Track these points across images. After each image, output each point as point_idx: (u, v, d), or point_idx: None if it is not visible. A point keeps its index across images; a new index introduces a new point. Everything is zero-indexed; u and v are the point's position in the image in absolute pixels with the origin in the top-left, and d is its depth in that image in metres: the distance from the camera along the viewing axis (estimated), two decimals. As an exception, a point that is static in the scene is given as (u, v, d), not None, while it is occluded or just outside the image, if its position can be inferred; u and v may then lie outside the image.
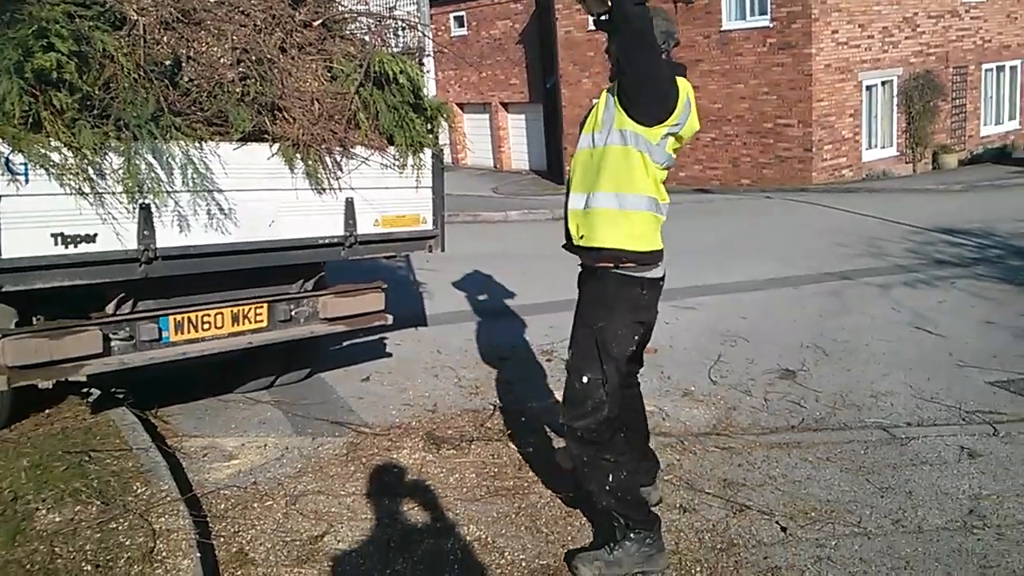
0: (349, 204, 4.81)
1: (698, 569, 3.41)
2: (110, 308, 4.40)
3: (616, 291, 3.33)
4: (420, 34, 5.64)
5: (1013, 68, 21.40)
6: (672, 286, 3.48)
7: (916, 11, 18.68)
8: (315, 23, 4.83)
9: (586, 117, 3.50)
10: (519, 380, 5.88)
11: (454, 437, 4.78)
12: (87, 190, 3.88)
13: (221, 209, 4.35)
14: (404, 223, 5.12)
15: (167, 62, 4.17)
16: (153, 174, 4.04)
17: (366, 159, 4.83)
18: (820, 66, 17.08)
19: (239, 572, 3.43)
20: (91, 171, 3.86)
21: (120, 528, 3.54)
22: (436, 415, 5.22)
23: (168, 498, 3.79)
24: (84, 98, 3.79)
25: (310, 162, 4.59)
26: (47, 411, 4.87)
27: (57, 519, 3.60)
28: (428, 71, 5.40)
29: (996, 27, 20.66)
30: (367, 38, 5.06)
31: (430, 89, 5.50)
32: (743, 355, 6.35)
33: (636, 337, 3.41)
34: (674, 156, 3.38)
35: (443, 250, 5.37)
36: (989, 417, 4.94)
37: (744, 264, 9.74)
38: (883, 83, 18.54)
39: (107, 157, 3.90)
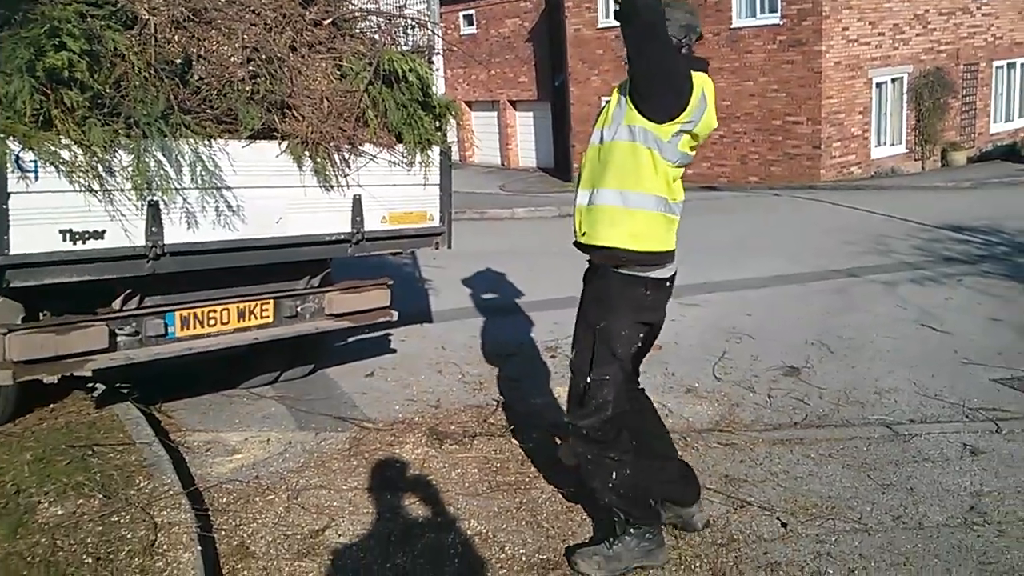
0: (357, 201, 4.84)
1: (698, 564, 3.43)
2: (116, 304, 4.43)
3: (619, 291, 3.27)
4: (429, 32, 5.68)
5: (1024, 65, 21.32)
6: (678, 283, 3.46)
7: (927, 8, 18.62)
8: (325, 22, 4.86)
9: (600, 113, 3.41)
10: (523, 377, 5.91)
11: (457, 433, 4.81)
12: (96, 187, 3.91)
13: (229, 206, 4.38)
14: (411, 220, 5.14)
15: (178, 61, 4.21)
16: (162, 171, 4.08)
17: (374, 156, 4.85)
18: (830, 63, 17.05)
19: (240, 565, 3.47)
20: (100, 168, 3.90)
21: (122, 521, 3.57)
22: (439, 411, 5.26)
23: (170, 492, 3.83)
24: (95, 96, 3.83)
25: (318, 159, 4.62)
26: (51, 405, 4.90)
27: (59, 512, 3.63)
28: (437, 69, 5.43)
29: (1008, 24, 20.56)
30: (377, 36, 5.09)
31: (439, 87, 5.52)
32: (748, 352, 6.36)
33: (641, 336, 3.34)
34: (691, 154, 3.25)
35: (450, 247, 5.39)
36: (992, 414, 4.94)
37: (751, 261, 9.75)
38: (893, 80, 18.48)
39: (117, 155, 3.94)
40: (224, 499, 4.06)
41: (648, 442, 3.56)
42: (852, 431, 4.78)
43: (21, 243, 3.80)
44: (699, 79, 3.17)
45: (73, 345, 4.17)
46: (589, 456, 3.35)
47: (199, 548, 3.36)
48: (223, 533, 3.72)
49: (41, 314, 4.38)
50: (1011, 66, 20.99)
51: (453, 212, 5.38)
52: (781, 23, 17.32)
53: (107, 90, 3.87)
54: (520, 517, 3.86)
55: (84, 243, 3.97)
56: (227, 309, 4.74)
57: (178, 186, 4.16)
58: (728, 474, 4.22)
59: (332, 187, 4.73)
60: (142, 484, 3.93)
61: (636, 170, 3.15)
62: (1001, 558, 3.40)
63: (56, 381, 4.20)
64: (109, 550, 3.35)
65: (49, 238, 3.87)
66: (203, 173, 4.21)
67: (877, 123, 18.41)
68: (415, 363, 6.27)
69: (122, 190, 4.00)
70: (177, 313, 4.57)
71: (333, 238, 4.84)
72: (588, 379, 3.29)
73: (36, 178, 3.78)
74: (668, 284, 3.36)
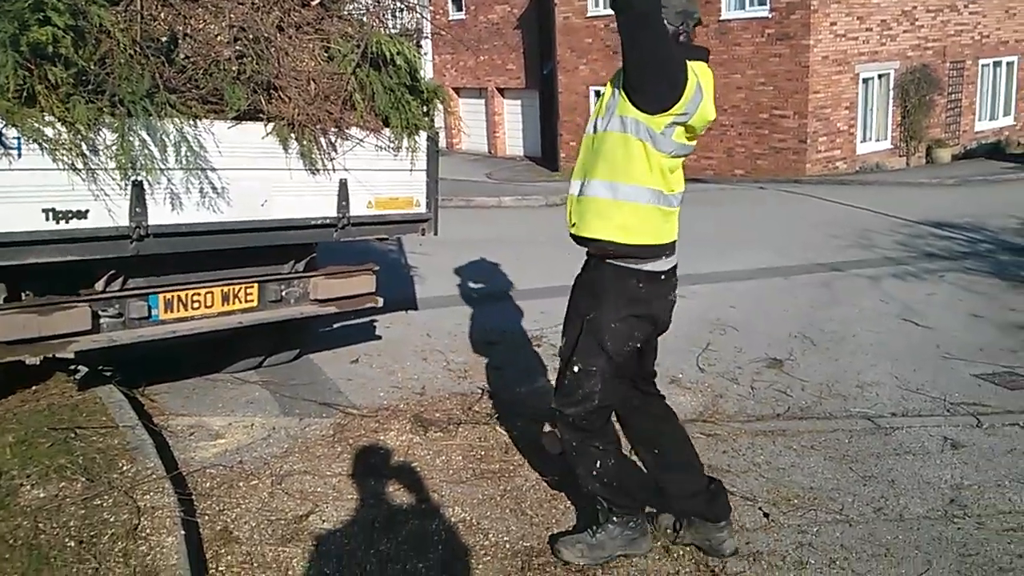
0: (343, 185, 4.81)
1: (681, 553, 3.44)
2: (100, 285, 4.39)
3: (609, 282, 3.21)
4: (418, 16, 5.64)
5: (1010, 64, 21.46)
6: (666, 275, 3.45)
7: (915, 5, 18.70)
8: (313, 3, 4.82)
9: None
10: (508, 365, 5.91)
11: (441, 420, 4.81)
12: (80, 166, 3.86)
13: (214, 188, 4.34)
14: (397, 206, 5.12)
15: (163, 39, 4.16)
16: (146, 151, 4.03)
17: (361, 140, 4.82)
18: (817, 58, 17.09)
19: (223, 550, 3.45)
20: (84, 147, 3.85)
21: (105, 505, 3.54)
22: (424, 398, 5.25)
23: (153, 476, 3.80)
24: (79, 73, 3.78)
25: (304, 142, 4.58)
26: (34, 387, 4.85)
27: (41, 495, 3.60)
28: (425, 53, 5.40)
29: (994, 22, 20.69)
30: (365, 19, 5.05)
31: (427, 72, 5.49)
32: (732, 344, 6.38)
33: (636, 333, 3.25)
34: (689, 144, 3.17)
35: (436, 234, 5.37)
36: (973, 409, 4.98)
37: (737, 253, 9.77)
38: (879, 76, 18.55)
39: (101, 133, 3.89)
40: (207, 484, 4.03)
41: (666, 453, 3.47)
42: (834, 423, 4.82)
43: (3, 221, 3.75)
44: (697, 69, 3.06)
45: (56, 326, 4.12)
46: (574, 443, 3.32)
47: (182, 532, 3.34)
48: (207, 518, 3.70)
49: (23, 294, 4.33)
50: (997, 64, 21.13)
51: (440, 199, 5.36)
52: (770, 16, 17.34)
53: (92, 67, 3.82)
54: (504, 504, 3.86)
55: (67, 222, 3.92)
56: (211, 292, 4.70)
57: (163, 166, 4.11)
58: (711, 464, 4.22)
59: (318, 170, 4.70)
60: (125, 468, 3.90)
61: (627, 162, 3.08)
62: (981, 550, 3.44)
63: (38, 362, 4.15)
64: (92, 533, 3.32)
65: (32, 217, 3.82)
66: (188, 153, 4.17)
67: (863, 118, 18.48)
68: (400, 350, 6.25)
69: (106, 169, 3.96)
70: (161, 296, 4.52)
71: (318, 222, 4.81)
72: (575, 368, 3.25)
73: (19, 155, 3.72)
74: (663, 277, 3.30)
